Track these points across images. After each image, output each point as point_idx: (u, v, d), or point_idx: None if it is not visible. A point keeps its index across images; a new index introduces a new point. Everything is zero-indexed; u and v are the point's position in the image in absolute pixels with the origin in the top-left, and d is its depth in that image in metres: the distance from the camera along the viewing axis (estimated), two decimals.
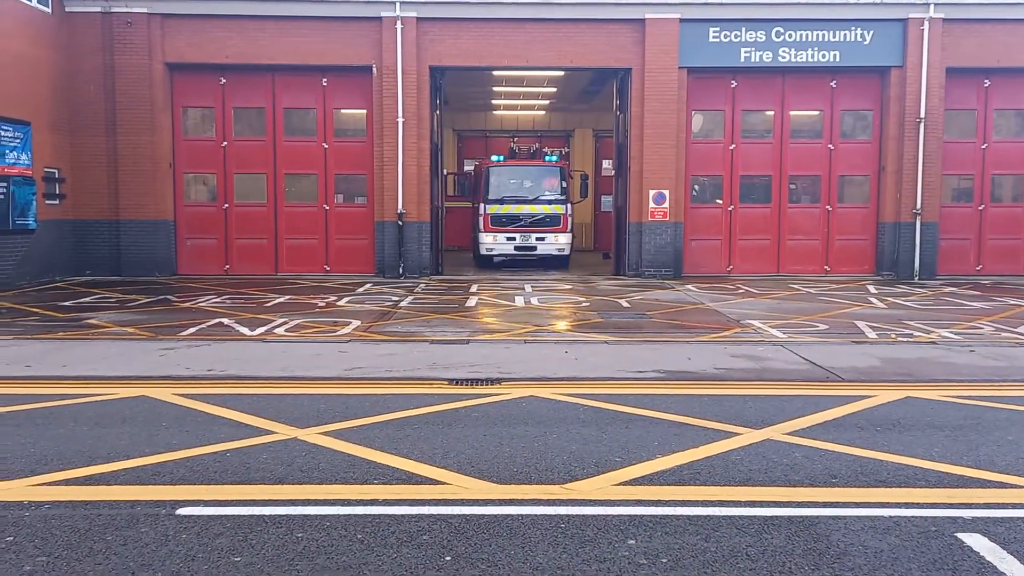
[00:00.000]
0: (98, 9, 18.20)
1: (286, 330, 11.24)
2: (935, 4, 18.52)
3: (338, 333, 11.08)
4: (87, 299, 14.53)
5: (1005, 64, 19.01)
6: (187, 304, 13.97)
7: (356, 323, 11.89)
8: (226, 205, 19.46)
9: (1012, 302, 14.77)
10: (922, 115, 18.69)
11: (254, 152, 19.48)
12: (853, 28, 18.82)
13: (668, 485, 5.12)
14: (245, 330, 11.20)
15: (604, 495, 4.94)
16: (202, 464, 5.48)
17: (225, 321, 11.98)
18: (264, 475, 5.26)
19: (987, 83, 19.55)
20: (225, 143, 19.41)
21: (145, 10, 18.22)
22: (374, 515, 4.60)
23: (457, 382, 8.10)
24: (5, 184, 16.02)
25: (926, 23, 18.53)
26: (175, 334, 10.82)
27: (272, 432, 6.24)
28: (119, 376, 8.30)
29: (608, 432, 6.28)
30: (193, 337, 10.64)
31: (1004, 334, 11.21)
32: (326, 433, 6.22)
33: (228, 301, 14.38)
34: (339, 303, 14.29)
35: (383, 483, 5.13)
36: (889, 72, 19.05)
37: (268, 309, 13.43)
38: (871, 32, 18.81)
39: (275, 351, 9.77)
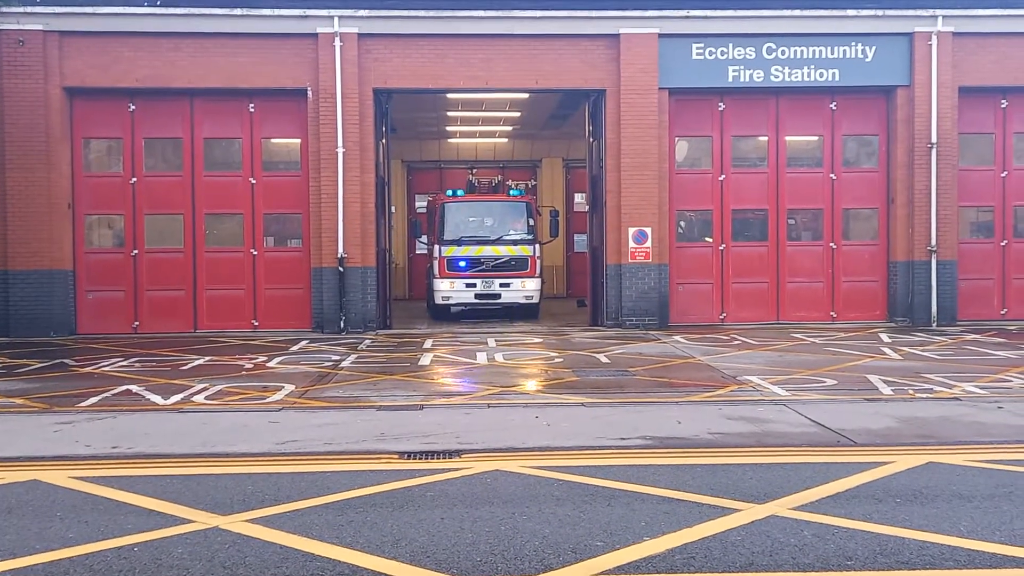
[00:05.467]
0: None
1: (206, 397, 11.11)
2: (943, 16, 19.12)
3: (268, 400, 10.95)
4: None
5: None
6: (88, 369, 13.76)
7: (290, 388, 11.77)
8: (135, 251, 19.28)
9: None
10: (934, 140, 19.17)
11: (169, 189, 19.37)
12: (853, 44, 19.35)
13: (658, 573, 5.08)
14: (157, 398, 11.05)
15: None
16: (104, 562, 5.33)
17: (133, 388, 11.81)
18: (179, 573, 5.14)
19: (1004, 104, 20.16)
20: (134, 179, 19.29)
21: (40, 27, 18.17)
22: None
23: (409, 456, 8.03)
24: None
25: (934, 38, 19.11)
26: (73, 405, 10.62)
27: (189, 521, 6.11)
28: (5, 457, 8.10)
29: (587, 511, 6.25)
30: (95, 408, 10.46)
31: None
32: (254, 520, 6.11)
33: (137, 364, 14.20)
34: (270, 364, 14.17)
35: None
36: (895, 92, 19.59)
37: (185, 373, 13.27)
38: (873, 48, 19.36)
39: (193, 423, 9.63)
